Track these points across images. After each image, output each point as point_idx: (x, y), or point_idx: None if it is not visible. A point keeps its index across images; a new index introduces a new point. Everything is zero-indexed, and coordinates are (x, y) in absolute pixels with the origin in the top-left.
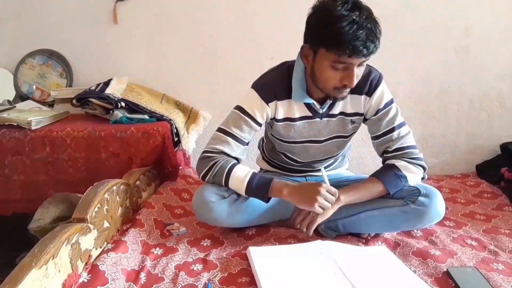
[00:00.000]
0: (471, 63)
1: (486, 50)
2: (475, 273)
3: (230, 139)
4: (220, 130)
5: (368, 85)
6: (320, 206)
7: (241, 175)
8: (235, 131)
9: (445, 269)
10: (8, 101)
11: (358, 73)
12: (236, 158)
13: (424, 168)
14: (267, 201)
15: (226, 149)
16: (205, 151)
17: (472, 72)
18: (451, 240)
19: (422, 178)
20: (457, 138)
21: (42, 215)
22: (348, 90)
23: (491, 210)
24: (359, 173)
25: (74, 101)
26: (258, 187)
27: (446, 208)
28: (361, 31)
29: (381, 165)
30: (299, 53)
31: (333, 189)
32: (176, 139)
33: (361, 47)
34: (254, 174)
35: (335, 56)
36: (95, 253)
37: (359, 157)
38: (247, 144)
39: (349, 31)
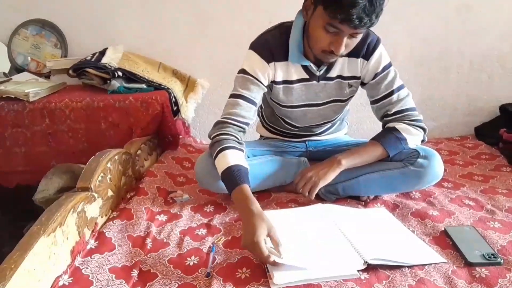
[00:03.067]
0: (471, 23)
1: (487, 9)
2: (472, 231)
3: (240, 101)
4: (230, 96)
5: (366, 48)
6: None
7: (225, 160)
8: (244, 92)
9: (443, 229)
10: (4, 73)
11: (350, 43)
12: (247, 123)
13: (424, 129)
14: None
15: (238, 110)
16: (221, 118)
17: (473, 32)
18: (449, 201)
19: (423, 141)
20: (457, 100)
21: (46, 186)
22: (335, 57)
23: (489, 171)
24: (359, 137)
25: (70, 71)
26: (227, 181)
27: (445, 170)
28: (361, 0)
29: (381, 129)
30: (300, 10)
31: (265, 251)
32: (175, 108)
33: (354, 16)
34: (232, 167)
35: (328, 18)
36: (101, 220)
37: (358, 122)
38: (256, 105)
39: None
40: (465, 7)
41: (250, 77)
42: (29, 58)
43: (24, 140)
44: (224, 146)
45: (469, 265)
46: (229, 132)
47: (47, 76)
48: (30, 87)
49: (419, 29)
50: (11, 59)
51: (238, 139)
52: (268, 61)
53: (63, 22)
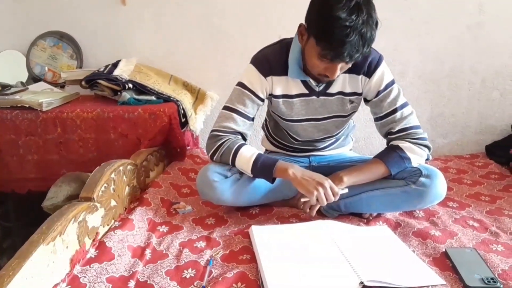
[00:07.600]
0: (484, 41)
1: (499, 28)
2: (473, 254)
3: (235, 115)
4: (225, 107)
5: (367, 66)
6: (317, 198)
7: (247, 155)
8: (239, 107)
9: (443, 250)
10: (21, 82)
11: (345, 66)
12: (242, 134)
13: (428, 148)
14: (272, 182)
15: (232, 125)
16: (213, 130)
17: (485, 50)
18: (452, 221)
19: (427, 159)
20: (468, 118)
21: (55, 193)
22: (332, 79)
23: (497, 192)
24: (367, 153)
25: (83, 82)
26: (264, 167)
27: (451, 189)
28: (351, 38)
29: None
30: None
31: (336, 189)
32: (183, 119)
33: (345, 54)
34: (260, 155)
35: (320, 52)
36: (102, 230)
37: (367, 137)
38: (252, 119)
39: (338, 35)
40: (476, 25)
41: (247, 92)
42: (46, 68)
43: (36, 148)
44: (235, 148)
45: None
46: (229, 137)
47: (62, 86)
48: (44, 97)
49: (430, 47)
50: (29, 69)
51: (236, 131)
52: (266, 75)
53: (79, 35)
